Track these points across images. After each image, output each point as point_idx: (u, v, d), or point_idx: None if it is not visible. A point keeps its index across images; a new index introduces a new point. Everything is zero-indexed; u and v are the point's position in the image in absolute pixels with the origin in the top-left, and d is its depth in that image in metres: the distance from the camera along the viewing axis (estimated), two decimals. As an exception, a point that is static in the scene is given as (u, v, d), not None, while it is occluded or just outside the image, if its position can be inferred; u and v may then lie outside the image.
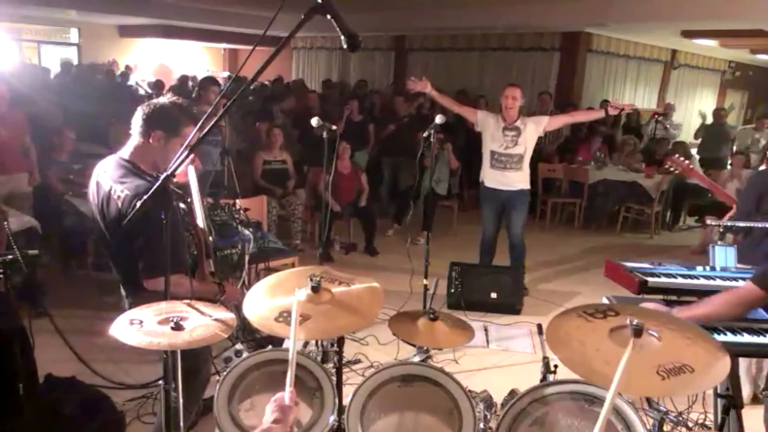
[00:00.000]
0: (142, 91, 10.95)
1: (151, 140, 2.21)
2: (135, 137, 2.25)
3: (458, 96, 10.39)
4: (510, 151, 4.86)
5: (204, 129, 1.74)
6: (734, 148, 9.24)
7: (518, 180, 4.93)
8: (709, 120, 9.77)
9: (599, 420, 1.35)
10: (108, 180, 2.20)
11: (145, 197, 1.75)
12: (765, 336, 2.39)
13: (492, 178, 4.98)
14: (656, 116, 9.69)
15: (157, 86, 10.84)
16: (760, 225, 3.63)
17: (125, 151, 2.27)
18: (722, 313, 2.14)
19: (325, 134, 3.82)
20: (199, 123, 1.79)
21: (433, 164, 4.96)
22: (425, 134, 4.04)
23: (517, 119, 4.86)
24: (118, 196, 2.14)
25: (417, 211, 6.39)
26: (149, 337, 1.73)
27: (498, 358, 4.03)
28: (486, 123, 4.96)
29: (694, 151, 9.67)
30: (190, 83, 11.42)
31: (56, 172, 5.22)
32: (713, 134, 9.52)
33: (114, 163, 2.25)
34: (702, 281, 2.74)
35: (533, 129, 4.85)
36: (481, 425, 1.97)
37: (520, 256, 5.11)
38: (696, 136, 9.87)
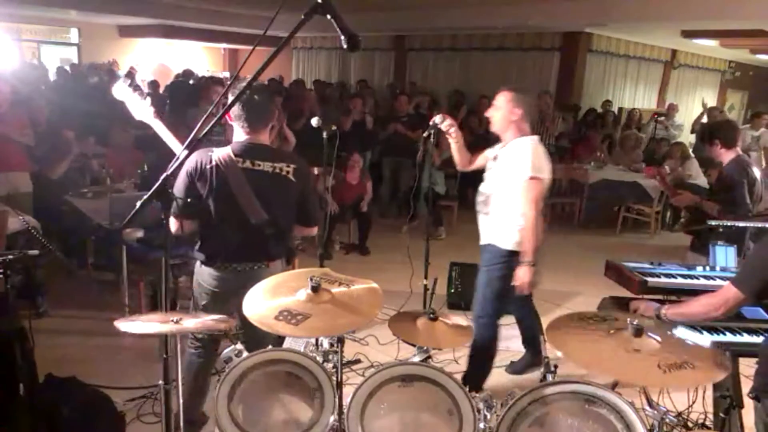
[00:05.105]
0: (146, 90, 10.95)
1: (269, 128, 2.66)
2: (259, 127, 2.56)
3: (455, 94, 10.47)
4: (482, 187, 3.32)
5: (205, 128, 1.75)
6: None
7: (486, 230, 3.28)
8: (706, 116, 9.69)
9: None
10: (263, 163, 2.52)
11: (145, 197, 1.77)
12: (765, 336, 2.40)
13: None
14: (656, 116, 9.69)
15: (153, 86, 10.83)
16: (760, 225, 3.63)
17: (253, 138, 2.55)
18: (705, 314, 2.15)
19: (325, 134, 3.82)
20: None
21: (427, 164, 4.84)
22: (425, 134, 4.01)
23: (505, 142, 3.22)
24: (287, 171, 2.55)
25: (422, 210, 6.42)
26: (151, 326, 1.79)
27: (498, 358, 4.01)
28: None
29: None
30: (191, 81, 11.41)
31: (56, 172, 5.22)
32: None
33: (251, 147, 2.53)
34: (702, 281, 2.75)
35: (509, 164, 3.13)
36: (481, 425, 1.97)
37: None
38: (693, 129, 9.82)
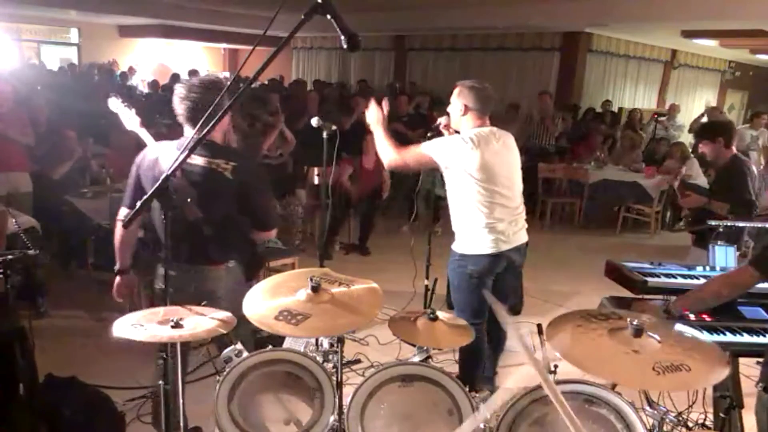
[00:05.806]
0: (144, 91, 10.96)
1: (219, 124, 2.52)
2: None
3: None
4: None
5: (204, 129, 1.75)
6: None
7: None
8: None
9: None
10: (199, 158, 2.38)
11: (145, 197, 1.77)
12: (765, 336, 2.40)
13: None
14: (656, 116, 9.68)
15: (153, 86, 10.84)
16: (759, 225, 3.64)
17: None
18: (717, 292, 2.24)
19: (325, 134, 3.82)
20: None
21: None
22: (429, 134, 3.97)
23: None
24: (223, 168, 2.40)
25: (422, 212, 6.42)
26: (149, 332, 1.78)
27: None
28: None
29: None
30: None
31: (57, 172, 5.22)
32: None
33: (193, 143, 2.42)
34: (702, 281, 2.74)
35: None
36: (482, 425, 1.97)
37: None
38: (691, 129, 9.83)
